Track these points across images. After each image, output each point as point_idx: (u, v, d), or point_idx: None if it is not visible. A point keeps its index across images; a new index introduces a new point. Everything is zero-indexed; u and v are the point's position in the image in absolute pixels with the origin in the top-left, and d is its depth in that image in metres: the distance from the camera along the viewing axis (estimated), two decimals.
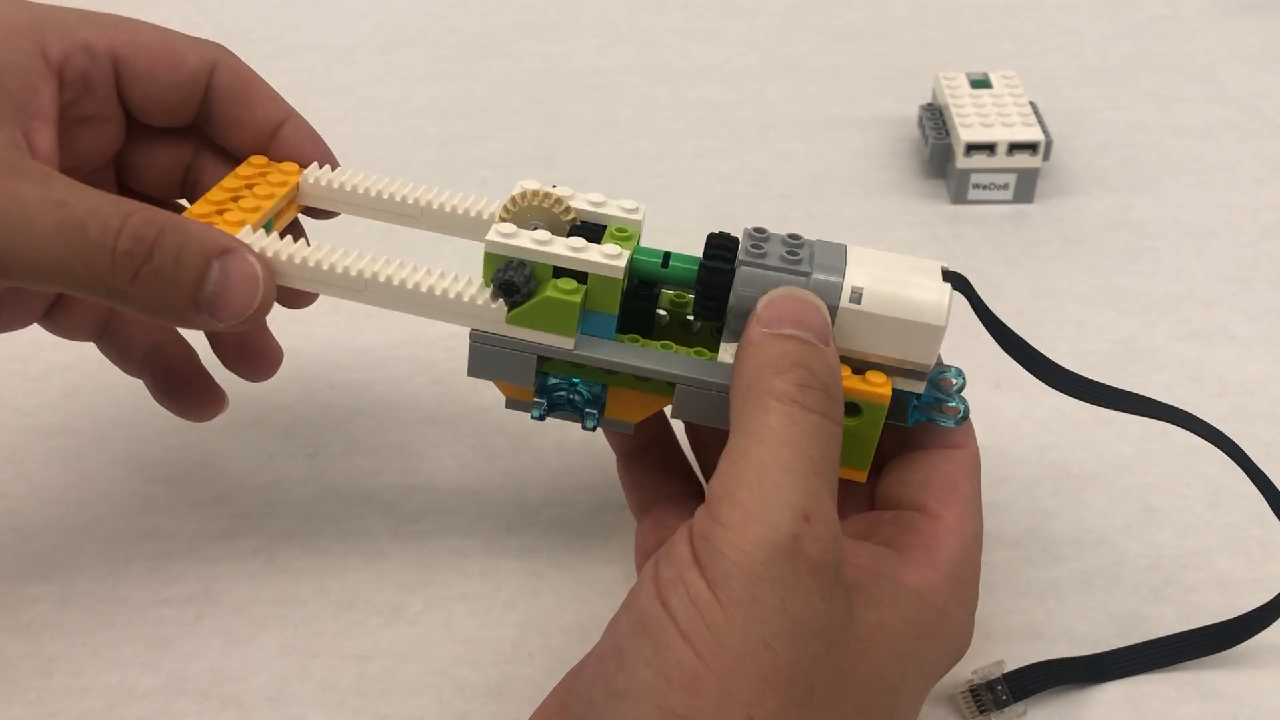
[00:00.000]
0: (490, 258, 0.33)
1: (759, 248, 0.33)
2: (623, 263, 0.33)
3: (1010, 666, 0.38)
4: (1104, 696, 0.38)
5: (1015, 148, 0.56)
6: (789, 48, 0.69)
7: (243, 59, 0.39)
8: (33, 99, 0.33)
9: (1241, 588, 0.41)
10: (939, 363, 0.34)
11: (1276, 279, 0.53)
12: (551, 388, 0.34)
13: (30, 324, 0.39)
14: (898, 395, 0.34)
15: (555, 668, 0.38)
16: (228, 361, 0.40)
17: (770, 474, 0.28)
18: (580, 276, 0.33)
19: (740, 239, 0.34)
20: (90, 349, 0.42)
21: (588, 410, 0.35)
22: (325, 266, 0.33)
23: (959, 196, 0.57)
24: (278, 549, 0.42)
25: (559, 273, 0.33)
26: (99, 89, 0.35)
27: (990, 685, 0.37)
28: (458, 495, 0.44)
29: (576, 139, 0.62)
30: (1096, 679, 0.38)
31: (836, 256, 0.33)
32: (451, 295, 0.33)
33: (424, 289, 0.33)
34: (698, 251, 0.35)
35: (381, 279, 0.33)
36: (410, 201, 0.37)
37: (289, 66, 0.67)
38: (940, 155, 0.58)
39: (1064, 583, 0.42)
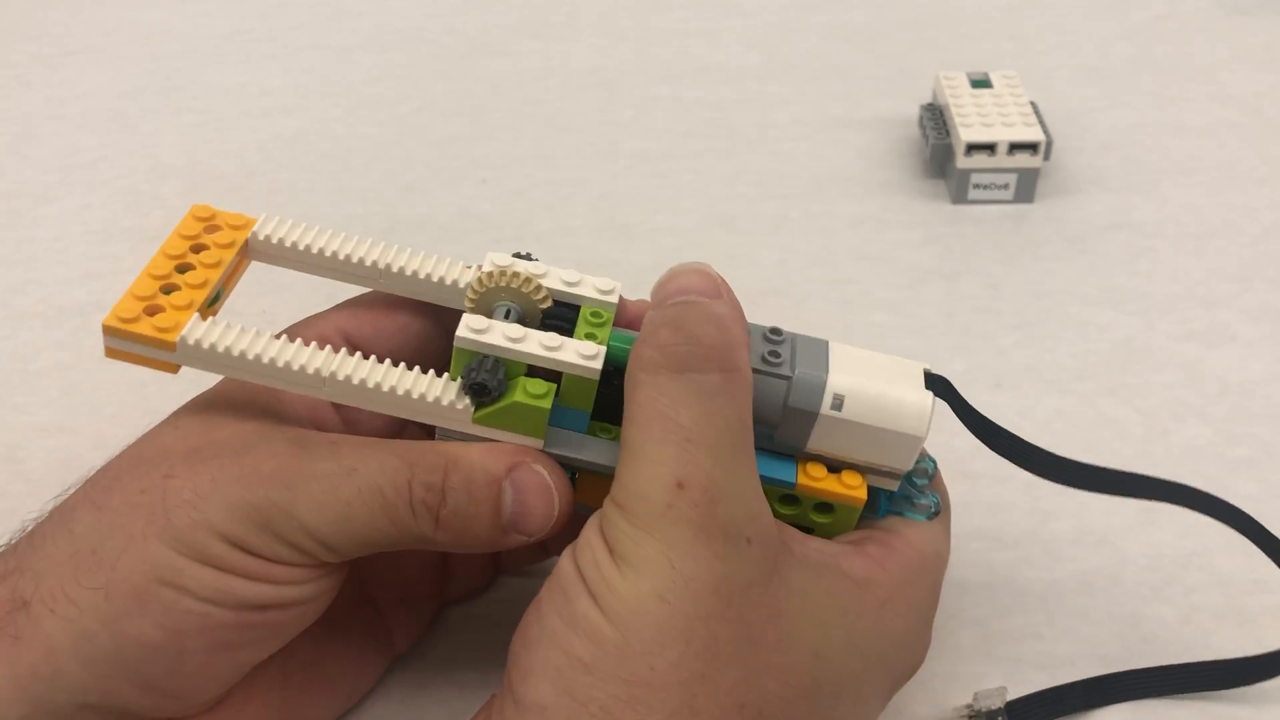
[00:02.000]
0: (460, 353, 0.32)
1: None
2: (599, 363, 0.32)
3: (1004, 678, 0.38)
4: (1110, 719, 0.38)
5: (1015, 148, 0.56)
6: (789, 48, 0.69)
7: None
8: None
9: (1241, 588, 0.41)
10: None
11: (1276, 279, 0.53)
12: None
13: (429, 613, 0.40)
14: (870, 490, 0.34)
15: None
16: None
17: (641, 450, 0.29)
18: (553, 374, 0.32)
19: None
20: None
21: None
22: (280, 363, 0.32)
23: (959, 196, 0.57)
24: None
25: (533, 370, 0.32)
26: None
27: (990, 715, 0.37)
28: None
29: (576, 139, 0.62)
30: (1097, 703, 0.38)
31: (819, 356, 0.33)
32: (415, 395, 0.32)
33: (385, 388, 0.32)
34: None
35: (340, 377, 0.32)
36: (369, 264, 0.35)
37: (289, 66, 0.66)
38: (940, 155, 0.58)
39: (1064, 583, 0.42)
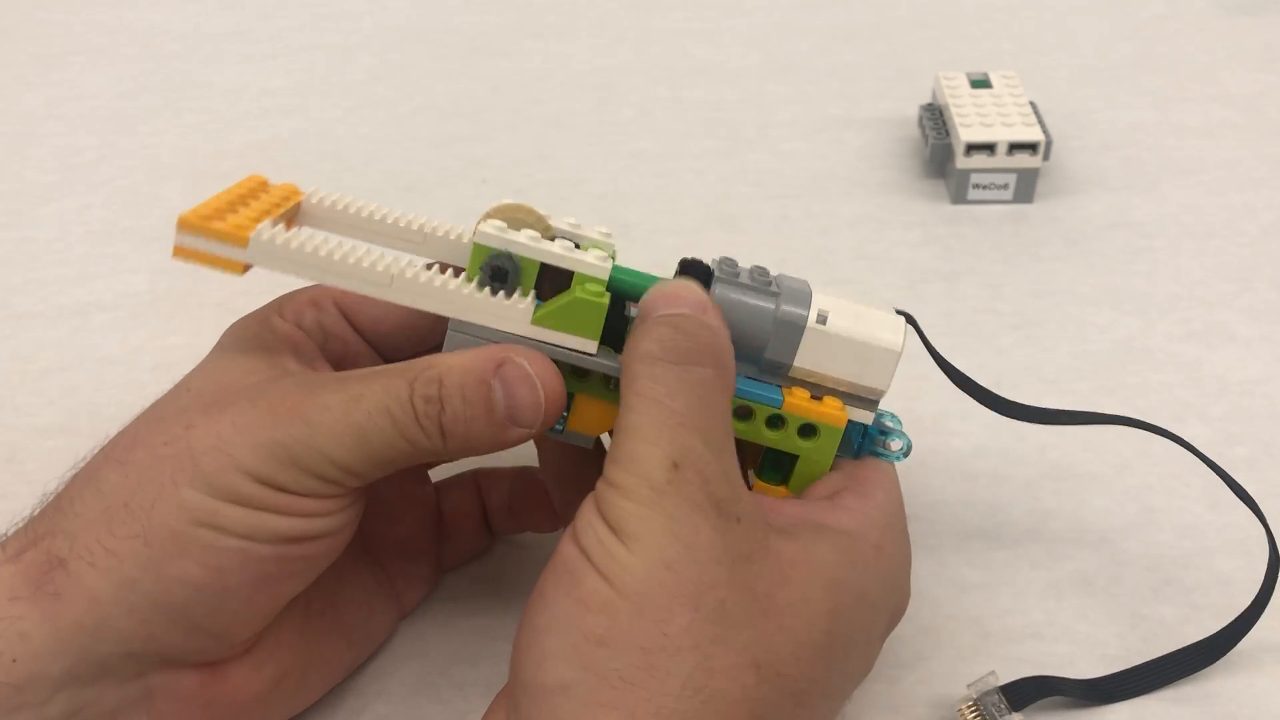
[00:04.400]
0: (479, 249, 0.34)
1: (731, 263, 0.35)
2: (609, 266, 0.34)
3: (1003, 677, 0.38)
4: (1106, 708, 0.38)
5: (1015, 148, 0.56)
6: (789, 48, 0.69)
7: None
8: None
9: (1241, 588, 0.41)
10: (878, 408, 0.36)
11: (1276, 279, 0.53)
12: None
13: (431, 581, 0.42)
14: (847, 425, 0.36)
15: None
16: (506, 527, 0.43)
17: (639, 433, 0.31)
18: (564, 282, 0.34)
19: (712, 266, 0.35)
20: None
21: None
22: (351, 260, 0.33)
23: (959, 196, 0.57)
24: None
25: (542, 276, 0.34)
26: (336, 330, 0.37)
27: (987, 695, 0.37)
28: None
29: (576, 139, 0.62)
30: (1096, 701, 0.38)
31: (802, 285, 0.35)
32: (479, 295, 0.33)
33: (450, 288, 0.33)
34: (695, 254, 0.35)
35: (409, 275, 0.33)
36: (413, 228, 0.37)
37: (289, 66, 0.67)
38: (940, 155, 0.58)
39: (1064, 583, 0.42)
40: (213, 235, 0.33)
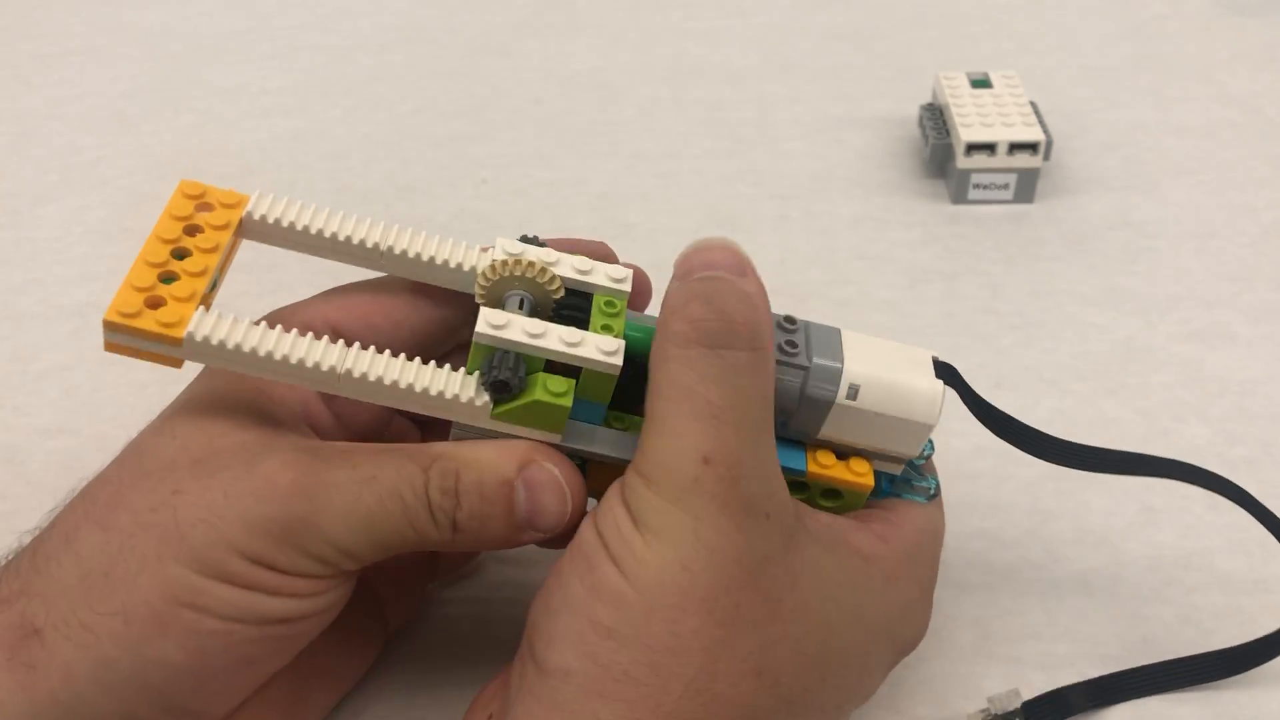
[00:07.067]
0: (479, 348, 0.31)
1: None
2: (620, 359, 0.31)
3: (1003, 679, 0.38)
4: (1115, 717, 0.38)
5: (1015, 147, 0.56)
6: (789, 48, 0.69)
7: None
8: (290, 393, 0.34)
9: (1241, 588, 0.41)
10: None
11: (1276, 279, 0.53)
12: None
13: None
14: (875, 474, 0.34)
15: None
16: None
17: (670, 424, 0.30)
18: (572, 368, 0.32)
19: None
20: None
21: None
22: (293, 360, 0.30)
23: (959, 196, 0.57)
24: None
25: (551, 364, 0.32)
26: None
27: (1007, 716, 0.37)
28: None
29: (576, 139, 0.62)
30: (1107, 701, 0.38)
31: (833, 344, 0.33)
32: (434, 392, 0.31)
33: (403, 385, 0.31)
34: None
35: (356, 374, 0.31)
36: (369, 245, 0.33)
37: (289, 66, 0.66)
38: (940, 155, 0.58)
39: (1064, 583, 0.42)
40: (142, 336, 0.30)
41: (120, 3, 0.72)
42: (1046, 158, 0.57)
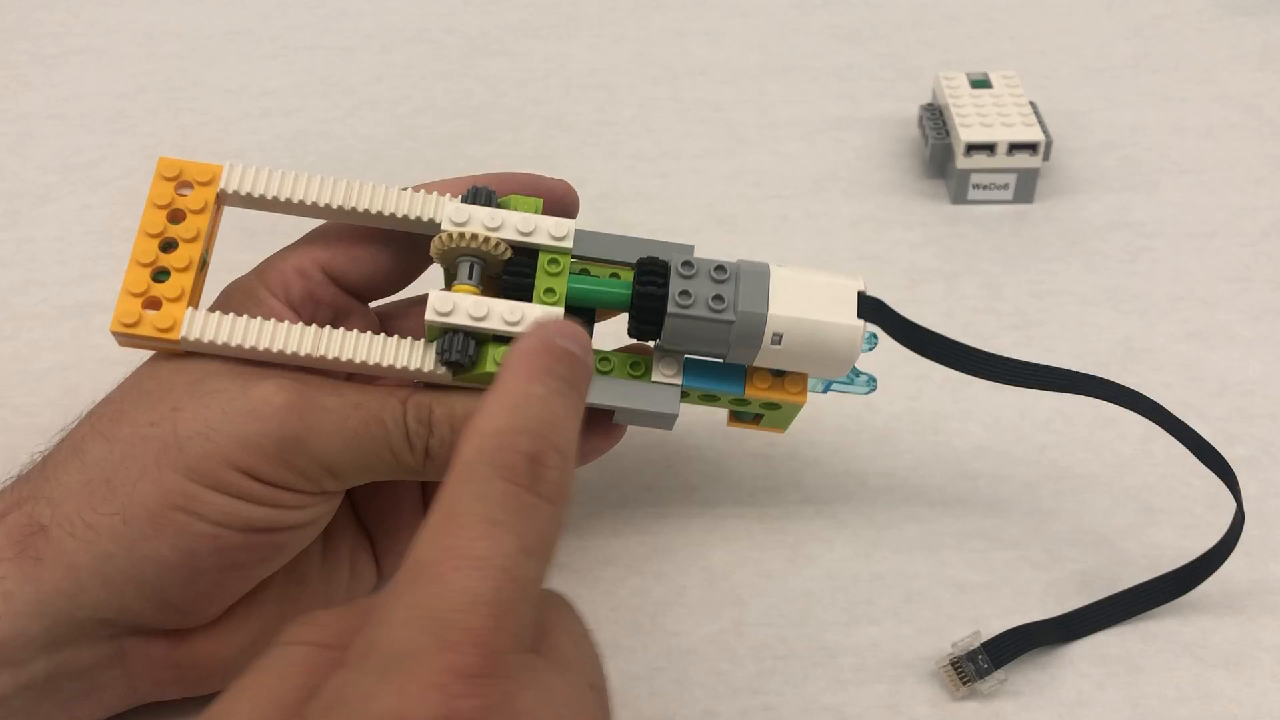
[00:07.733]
0: (431, 327, 0.35)
1: (687, 295, 0.35)
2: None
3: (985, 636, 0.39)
4: (1075, 654, 0.39)
5: (1015, 148, 0.56)
6: (789, 48, 0.69)
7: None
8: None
9: (1241, 587, 0.41)
10: None
11: (1276, 279, 0.53)
12: None
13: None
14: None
15: None
16: None
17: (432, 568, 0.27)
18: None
19: (670, 275, 0.35)
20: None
21: None
22: (275, 350, 0.35)
23: (959, 196, 0.57)
24: None
25: (500, 336, 0.35)
26: (325, 298, 0.37)
27: (970, 656, 0.38)
28: None
29: (576, 139, 0.62)
30: (1066, 638, 0.40)
31: (760, 290, 0.35)
32: (401, 366, 0.35)
33: (372, 362, 0.35)
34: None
35: (330, 357, 0.35)
36: (335, 208, 0.37)
37: (289, 66, 0.66)
38: (940, 155, 0.58)
39: (1064, 583, 0.42)
40: (145, 344, 0.35)
41: (120, 3, 0.72)
42: (1046, 158, 0.57)
